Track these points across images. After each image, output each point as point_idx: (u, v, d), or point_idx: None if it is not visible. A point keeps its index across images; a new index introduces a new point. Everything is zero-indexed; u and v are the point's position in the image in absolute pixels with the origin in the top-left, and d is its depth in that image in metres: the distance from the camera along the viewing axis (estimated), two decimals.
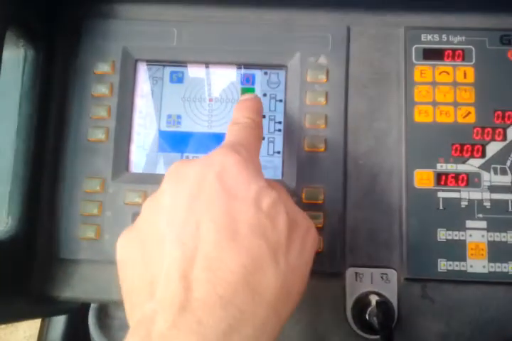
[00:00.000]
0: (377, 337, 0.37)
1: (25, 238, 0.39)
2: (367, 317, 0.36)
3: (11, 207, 0.39)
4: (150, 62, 0.43)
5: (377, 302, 0.36)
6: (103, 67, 0.42)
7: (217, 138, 0.42)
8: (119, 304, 0.42)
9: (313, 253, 0.31)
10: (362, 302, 0.38)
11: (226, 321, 0.25)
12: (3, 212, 0.38)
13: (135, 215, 0.39)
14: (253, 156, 0.33)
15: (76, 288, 0.40)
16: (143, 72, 0.43)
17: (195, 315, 0.25)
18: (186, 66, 0.43)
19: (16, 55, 0.40)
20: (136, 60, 0.42)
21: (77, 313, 0.80)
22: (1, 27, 0.35)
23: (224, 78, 0.43)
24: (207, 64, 0.43)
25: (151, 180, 0.40)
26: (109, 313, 0.83)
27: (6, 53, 0.37)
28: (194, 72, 0.43)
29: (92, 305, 0.83)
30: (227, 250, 0.27)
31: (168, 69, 0.43)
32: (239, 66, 0.43)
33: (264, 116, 0.42)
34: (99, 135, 0.41)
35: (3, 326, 1.22)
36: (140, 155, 0.42)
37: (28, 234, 0.39)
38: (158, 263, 0.27)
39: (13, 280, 0.38)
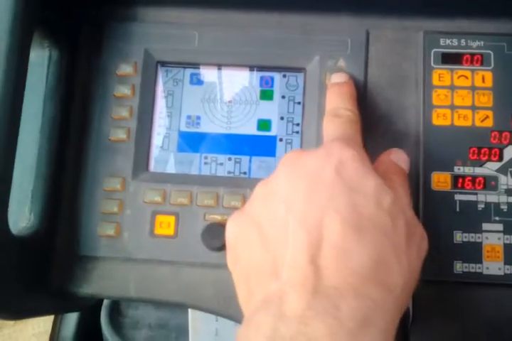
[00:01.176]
0: None
1: (46, 235, 0.40)
2: None
3: (33, 204, 0.39)
4: (171, 64, 0.43)
5: None
6: (125, 69, 0.42)
7: (236, 139, 0.43)
8: (136, 301, 0.43)
9: (421, 263, 0.31)
10: None
11: (362, 311, 0.25)
12: (25, 210, 0.39)
13: (154, 213, 0.40)
14: (363, 151, 0.33)
15: (94, 285, 0.41)
16: (164, 74, 0.43)
17: (331, 301, 0.25)
18: (206, 68, 0.43)
19: (41, 56, 0.41)
20: (158, 62, 0.43)
21: (89, 311, 0.81)
22: (29, 28, 0.36)
23: (243, 80, 0.43)
24: (226, 66, 0.43)
25: (170, 180, 0.41)
26: (121, 311, 0.84)
27: (31, 54, 0.38)
28: (214, 74, 0.44)
29: (104, 303, 0.84)
30: (353, 242, 0.27)
31: (188, 71, 0.44)
32: (258, 69, 0.43)
33: (282, 118, 0.43)
34: (121, 134, 0.42)
35: (12, 323, 1.23)
36: (160, 154, 0.43)
37: (49, 231, 0.40)
38: (280, 245, 0.28)
39: (33, 276, 0.39)
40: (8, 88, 0.35)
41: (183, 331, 0.67)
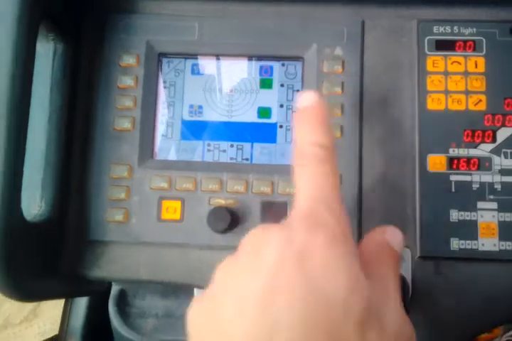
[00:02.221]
0: None
1: (57, 221, 0.41)
2: None
3: (44, 192, 0.41)
4: (172, 55, 0.45)
5: None
6: (128, 60, 0.44)
7: (237, 127, 0.44)
8: (145, 283, 0.44)
9: None
10: None
11: None
12: (37, 197, 0.41)
13: (161, 199, 0.42)
14: (337, 214, 0.28)
15: (104, 268, 0.42)
16: (165, 65, 0.45)
17: None
18: (207, 59, 0.45)
19: (47, 49, 0.42)
20: (159, 54, 0.44)
21: (97, 301, 0.82)
22: (35, 22, 0.38)
23: (243, 70, 0.45)
24: (226, 56, 0.45)
25: (175, 167, 0.43)
26: (128, 301, 0.86)
27: (37, 46, 0.39)
28: (214, 64, 0.45)
29: (112, 294, 0.85)
30: None
31: (189, 62, 0.45)
32: (257, 58, 0.44)
33: (281, 106, 0.44)
34: (126, 124, 0.43)
35: (18, 322, 1.24)
36: (164, 143, 0.44)
37: (59, 218, 0.42)
38: None
39: (45, 260, 0.41)
40: (17, 80, 0.36)
41: None
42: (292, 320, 0.23)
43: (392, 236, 0.32)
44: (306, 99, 0.33)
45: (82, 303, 0.79)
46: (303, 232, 0.26)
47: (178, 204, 0.42)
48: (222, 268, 0.28)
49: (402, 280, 0.38)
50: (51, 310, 1.22)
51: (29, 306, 1.25)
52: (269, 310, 0.24)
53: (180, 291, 0.72)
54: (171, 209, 0.42)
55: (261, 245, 0.27)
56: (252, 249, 0.27)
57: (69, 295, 0.54)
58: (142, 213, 0.42)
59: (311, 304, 0.24)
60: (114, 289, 0.83)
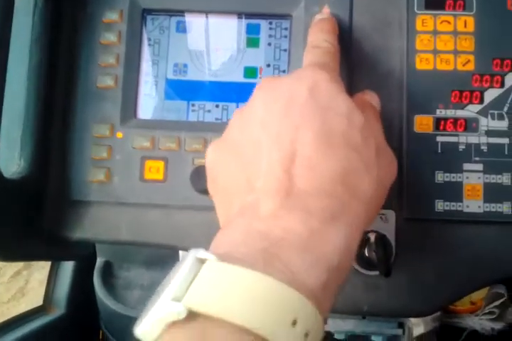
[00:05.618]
0: (376, 272, 0.39)
1: (36, 180, 0.40)
2: (366, 253, 0.38)
3: (22, 149, 0.40)
4: (157, 12, 0.44)
5: (376, 236, 0.37)
6: (111, 16, 0.43)
7: (223, 87, 0.43)
8: (128, 244, 0.44)
9: (389, 185, 0.33)
10: (361, 240, 0.39)
11: (330, 209, 0.27)
12: (15, 155, 0.40)
13: (144, 159, 0.41)
14: (338, 77, 0.34)
15: (87, 229, 0.41)
16: (150, 22, 0.43)
17: (302, 200, 0.27)
18: (192, 16, 0.44)
19: (27, 2, 0.41)
20: (144, 10, 0.43)
21: (82, 273, 0.82)
22: None
23: (229, 28, 0.44)
24: (212, 13, 0.44)
25: (158, 126, 0.42)
26: (113, 273, 0.86)
27: (16, 1, 0.38)
28: (200, 21, 0.44)
29: (97, 266, 0.85)
30: (325, 154, 0.29)
31: (174, 19, 0.44)
32: (245, 16, 0.43)
33: (268, 65, 0.43)
34: (108, 82, 0.42)
35: (6, 300, 1.24)
36: (147, 102, 0.43)
37: (39, 177, 0.41)
38: (255, 163, 0.29)
39: (26, 221, 0.40)
40: None
41: None
42: (309, 123, 0.29)
43: (370, 96, 0.38)
44: (322, 14, 0.41)
45: (66, 275, 0.78)
46: (310, 71, 0.32)
47: (161, 164, 0.41)
48: (238, 109, 0.33)
49: (385, 238, 0.38)
50: (38, 289, 1.22)
51: (16, 285, 1.25)
52: (289, 119, 0.30)
53: (166, 262, 0.72)
54: (154, 169, 0.41)
55: (275, 85, 0.32)
56: (265, 88, 0.32)
57: (52, 258, 0.53)
58: (125, 173, 0.41)
59: (322, 113, 0.30)
60: (99, 261, 0.83)
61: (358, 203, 0.29)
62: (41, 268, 1.22)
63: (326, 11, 0.42)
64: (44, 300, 0.78)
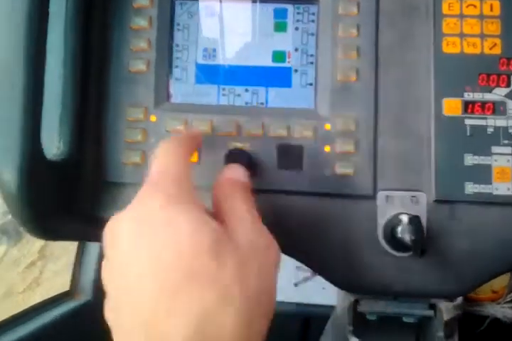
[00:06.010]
0: (407, 254, 0.40)
1: (74, 162, 0.41)
2: (398, 235, 0.39)
3: (61, 133, 0.41)
4: None
5: (409, 217, 0.38)
6: (142, 1, 0.43)
7: (252, 71, 0.44)
8: None
9: (275, 267, 0.31)
10: (393, 222, 0.40)
11: None
12: (55, 138, 0.40)
13: None
14: (182, 185, 0.32)
15: (122, 209, 0.42)
16: (179, 6, 0.44)
17: None
18: (221, 1, 0.44)
19: None
20: None
21: None
22: None
23: (257, 12, 0.44)
24: None
25: (190, 109, 0.42)
26: None
27: None
28: (229, 6, 0.44)
29: None
30: (165, 313, 0.26)
31: (203, 4, 0.44)
32: (272, 0, 0.44)
33: (296, 49, 0.43)
34: (140, 66, 0.42)
35: (21, 290, 1.24)
36: (178, 86, 0.44)
37: (77, 159, 0.41)
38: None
39: (64, 200, 0.41)
40: (32, 18, 0.35)
41: None
42: (143, 266, 0.28)
43: (231, 172, 0.36)
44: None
45: (92, 261, 0.78)
46: (145, 199, 0.31)
47: None
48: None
49: (418, 219, 0.38)
50: (53, 280, 1.23)
51: (31, 276, 1.26)
52: (130, 269, 0.28)
53: None
54: None
55: (115, 233, 0.31)
56: (109, 238, 0.31)
57: (88, 238, 0.54)
58: None
59: (160, 252, 0.27)
60: None
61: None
62: (55, 259, 1.23)
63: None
64: (70, 286, 0.78)
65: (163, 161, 0.34)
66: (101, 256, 0.76)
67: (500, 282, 0.79)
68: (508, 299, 0.79)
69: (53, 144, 0.40)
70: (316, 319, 0.57)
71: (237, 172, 0.36)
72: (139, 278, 0.28)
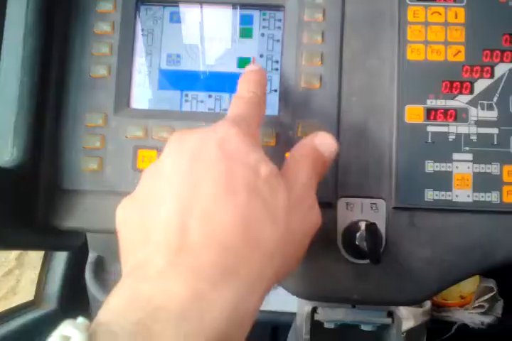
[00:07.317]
0: (365, 261, 0.39)
1: (29, 169, 0.40)
2: (356, 242, 0.38)
3: (15, 138, 0.40)
4: (150, 2, 0.44)
5: (366, 225, 0.37)
6: (105, 6, 0.43)
7: (216, 77, 0.43)
8: (118, 242, 0.44)
9: (314, 228, 0.33)
10: (352, 229, 0.39)
11: (223, 263, 0.26)
12: (8, 143, 0.40)
13: (136, 148, 0.41)
14: (254, 130, 0.34)
15: (79, 218, 0.41)
16: (143, 12, 0.44)
17: (194, 255, 0.26)
18: (186, 6, 0.44)
19: None
20: (137, 0, 0.43)
21: (74, 268, 0.82)
22: None
23: (223, 18, 0.44)
24: (206, 4, 0.44)
25: (152, 116, 0.42)
26: (105, 268, 0.86)
27: None
28: (193, 12, 0.44)
29: (89, 261, 0.85)
30: (224, 203, 0.28)
31: (168, 10, 0.44)
32: (238, 6, 0.44)
33: (261, 56, 0.43)
34: (101, 71, 0.42)
35: (1, 295, 1.23)
36: (140, 92, 0.43)
37: (32, 165, 0.41)
38: (155, 217, 0.29)
39: (18, 210, 0.40)
40: None
41: None
42: (211, 174, 0.29)
43: (321, 138, 0.36)
44: (252, 66, 0.41)
45: (58, 270, 0.78)
46: (221, 126, 0.32)
47: (154, 153, 0.42)
48: (149, 167, 0.33)
49: (375, 226, 0.38)
50: (30, 288, 1.22)
51: (8, 284, 1.25)
52: (192, 173, 0.29)
53: None
54: (147, 159, 0.41)
55: (185, 139, 0.32)
56: (175, 142, 0.32)
57: (45, 247, 0.53)
58: (117, 162, 0.41)
59: (226, 164, 0.30)
60: (91, 256, 0.83)
61: (259, 255, 0.28)
62: (33, 268, 1.22)
63: (257, 63, 0.43)
64: (35, 295, 0.78)
65: (241, 108, 0.36)
66: (68, 265, 0.75)
67: (468, 288, 0.80)
68: (476, 305, 0.80)
69: (6, 149, 0.39)
70: (285, 327, 0.57)
71: (326, 141, 0.36)
72: (202, 181, 0.29)
